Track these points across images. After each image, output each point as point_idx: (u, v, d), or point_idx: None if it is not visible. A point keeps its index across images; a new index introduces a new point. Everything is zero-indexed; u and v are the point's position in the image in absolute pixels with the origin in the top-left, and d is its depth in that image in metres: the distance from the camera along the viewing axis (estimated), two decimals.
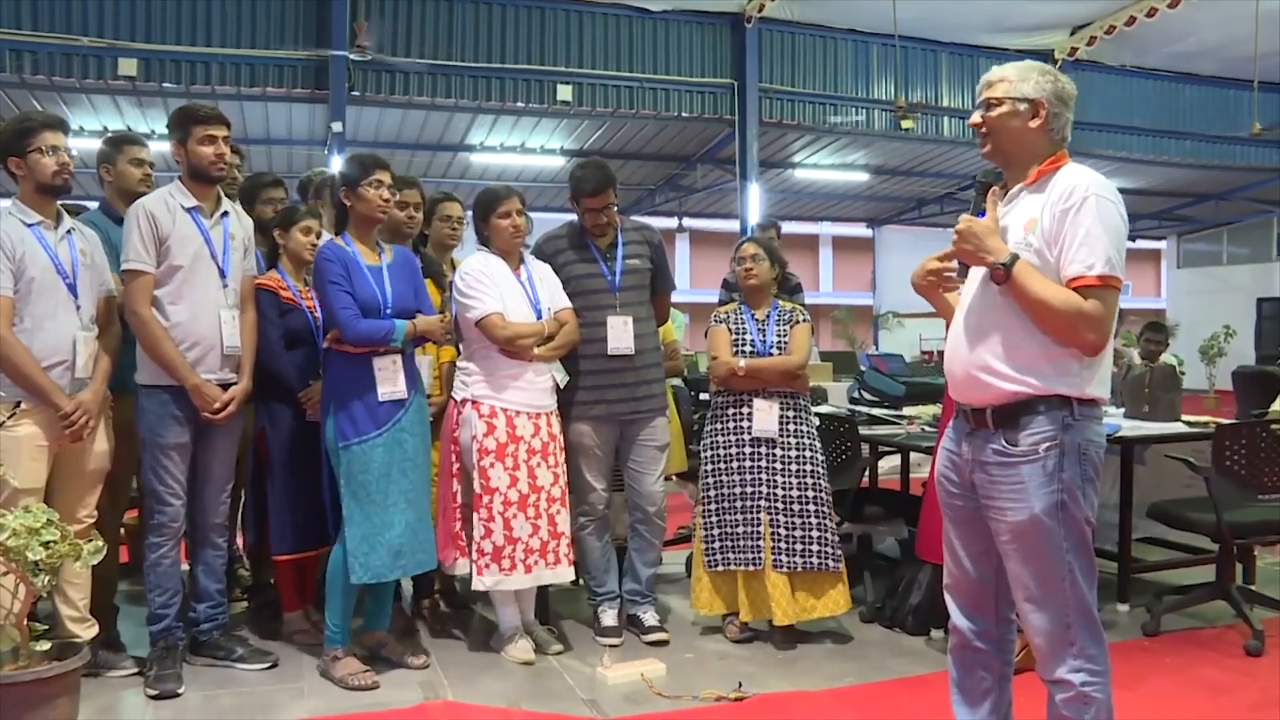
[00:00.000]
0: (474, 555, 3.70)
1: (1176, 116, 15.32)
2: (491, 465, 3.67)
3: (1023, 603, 2.37)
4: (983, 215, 2.37)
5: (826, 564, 3.93)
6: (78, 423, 3.22)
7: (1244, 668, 3.76)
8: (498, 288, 3.74)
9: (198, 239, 3.49)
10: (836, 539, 3.97)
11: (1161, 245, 23.49)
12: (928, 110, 13.79)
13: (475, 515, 3.70)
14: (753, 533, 3.95)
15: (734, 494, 3.99)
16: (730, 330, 4.09)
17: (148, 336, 3.39)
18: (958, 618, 2.58)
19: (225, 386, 3.56)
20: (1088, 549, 2.35)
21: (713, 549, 4.00)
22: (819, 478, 3.99)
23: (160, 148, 3.63)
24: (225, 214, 3.61)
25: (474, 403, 3.72)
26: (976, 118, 2.41)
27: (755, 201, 13.13)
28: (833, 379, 9.07)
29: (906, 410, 5.26)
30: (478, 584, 3.72)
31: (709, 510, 4.03)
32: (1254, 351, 17.09)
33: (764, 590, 3.94)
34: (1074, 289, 2.23)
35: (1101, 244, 2.22)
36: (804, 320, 4.12)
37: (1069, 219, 2.25)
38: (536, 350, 3.75)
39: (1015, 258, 2.26)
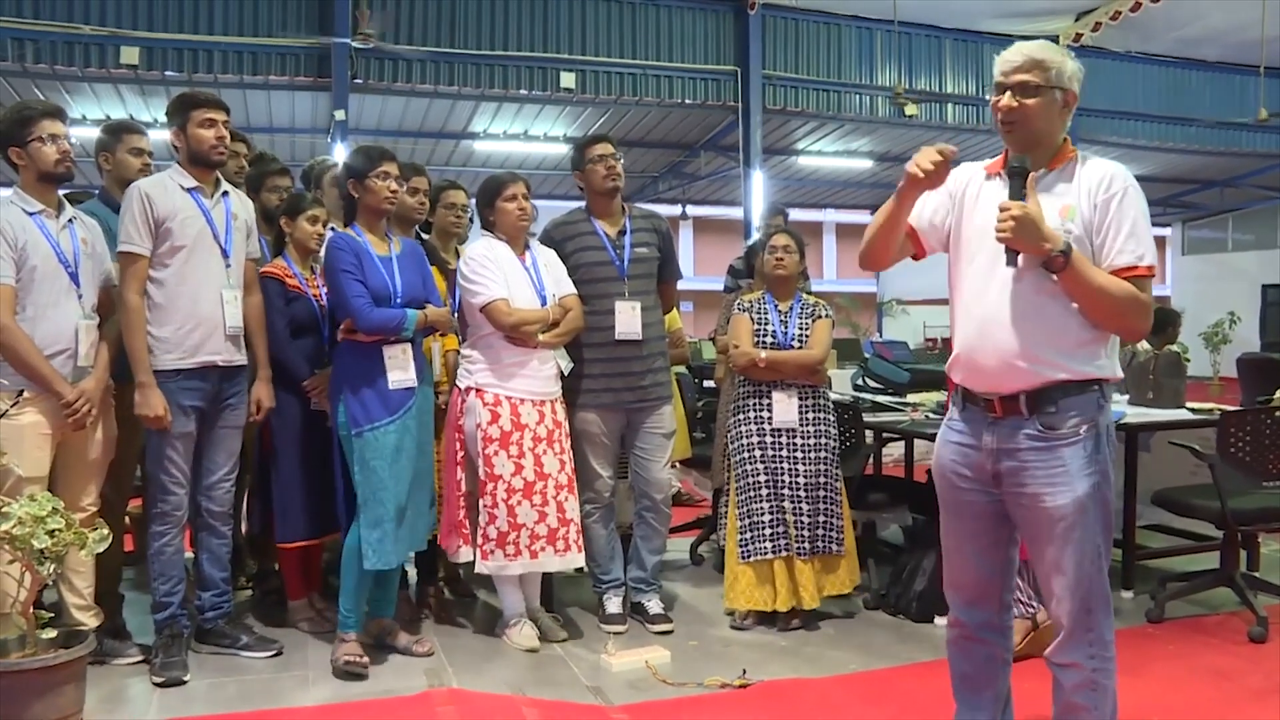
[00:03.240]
0: (479, 540, 3.70)
1: (1182, 102, 15.24)
2: (495, 453, 3.67)
3: (1059, 589, 2.34)
4: (1023, 200, 2.27)
5: (831, 548, 4.03)
6: (80, 411, 3.23)
7: (1248, 654, 3.76)
8: (503, 273, 3.73)
9: (199, 219, 3.48)
10: (841, 523, 4.05)
11: (1167, 232, 23.37)
12: (931, 97, 13.73)
13: (480, 502, 3.70)
14: (778, 520, 3.99)
15: (758, 483, 4.02)
16: (753, 320, 4.13)
17: (128, 323, 3.38)
18: (959, 611, 2.56)
19: (231, 369, 3.56)
20: (1110, 531, 2.36)
21: (746, 539, 4.01)
22: (831, 464, 4.06)
23: (162, 136, 3.62)
24: (225, 193, 3.61)
25: (478, 390, 3.72)
26: (1011, 102, 2.31)
27: (759, 189, 13.09)
28: (837, 366, 9.07)
29: (911, 397, 5.26)
30: (481, 568, 3.72)
31: (740, 501, 4.06)
32: (1259, 338, 17.04)
33: (793, 577, 3.99)
34: (1126, 278, 2.24)
35: (1148, 236, 2.27)
36: (827, 315, 4.16)
37: (1113, 208, 2.26)
38: (541, 337, 3.74)
39: (1070, 245, 2.23)
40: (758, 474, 4.02)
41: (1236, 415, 4.14)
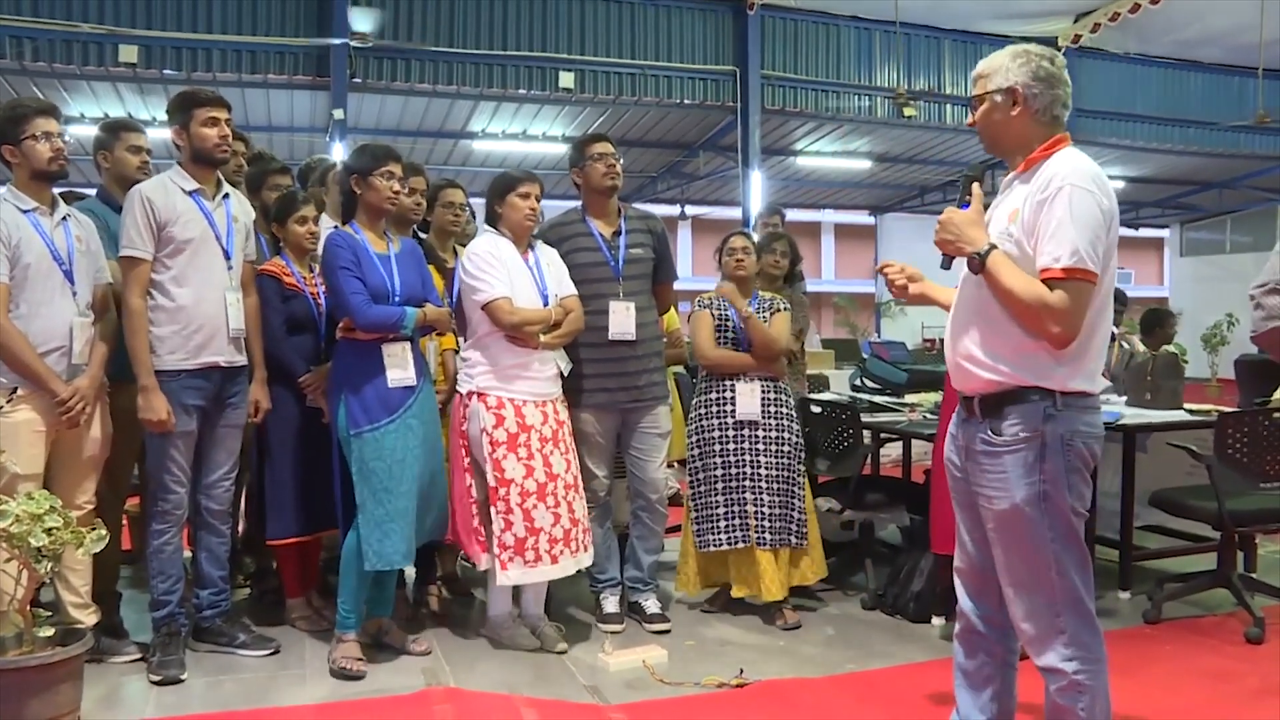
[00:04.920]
0: (495, 549, 3.62)
1: (1180, 104, 15.27)
2: (504, 457, 3.63)
3: (1006, 588, 2.41)
4: (966, 206, 2.38)
5: (791, 540, 4.07)
6: (74, 409, 3.22)
7: (1245, 655, 3.76)
8: (506, 271, 3.70)
9: (201, 221, 3.48)
10: (805, 516, 4.10)
11: (1165, 233, 23.42)
12: (930, 98, 13.75)
13: (493, 509, 3.63)
14: (739, 512, 4.04)
15: (716, 475, 4.08)
16: (713, 316, 4.19)
17: (131, 326, 3.38)
18: (964, 601, 2.61)
19: (233, 369, 3.56)
20: (1075, 539, 2.36)
21: (703, 529, 4.10)
22: (795, 459, 4.12)
23: (161, 135, 3.62)
24: (226, 196, 3.61)
25: (480, 395, 3.68)
26: (971, 118, 2.45)
27: (757, 189, 13.11)
28: (835, 366, 9.08)
29: (909, 398, 5.27)
30: (503, 579, 3.63)
31: (697, 493, 4.13)
32: None
33: (754, 568, 4.04)
34: (1043, 280, 2.23)
35: (1070, 236, 2.20)
36: (784, 309, 4.24)
37: (1044, 210, 2.25)
38: (543, 338, 3.72)
39: (991, 248, 2.28)
40: (715, 467, 4.08)
41: (1234, 416, 4.14)
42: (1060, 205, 2.22)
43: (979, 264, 2.28)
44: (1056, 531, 2.33)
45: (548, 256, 3.89)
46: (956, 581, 2.63)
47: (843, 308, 20.30)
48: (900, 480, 5.12)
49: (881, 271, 2.72)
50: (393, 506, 3.46)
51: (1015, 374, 2.31)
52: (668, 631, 3.97)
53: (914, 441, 4.99)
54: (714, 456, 4.09)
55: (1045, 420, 2.31)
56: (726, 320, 4.17)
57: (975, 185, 2.41)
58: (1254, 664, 3.67)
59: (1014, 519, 2.34)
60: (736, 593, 4.13)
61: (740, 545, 4.05)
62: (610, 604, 4.07)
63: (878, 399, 5.24)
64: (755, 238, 4.55)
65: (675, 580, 4.28)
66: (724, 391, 4.12)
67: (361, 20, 10.77)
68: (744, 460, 4.07)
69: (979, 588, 2.57)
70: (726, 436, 4.09)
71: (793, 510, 4.07)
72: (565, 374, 3.84)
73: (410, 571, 4.24)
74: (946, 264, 2.44)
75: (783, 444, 4.10)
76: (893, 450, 5.77)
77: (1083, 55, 14.07)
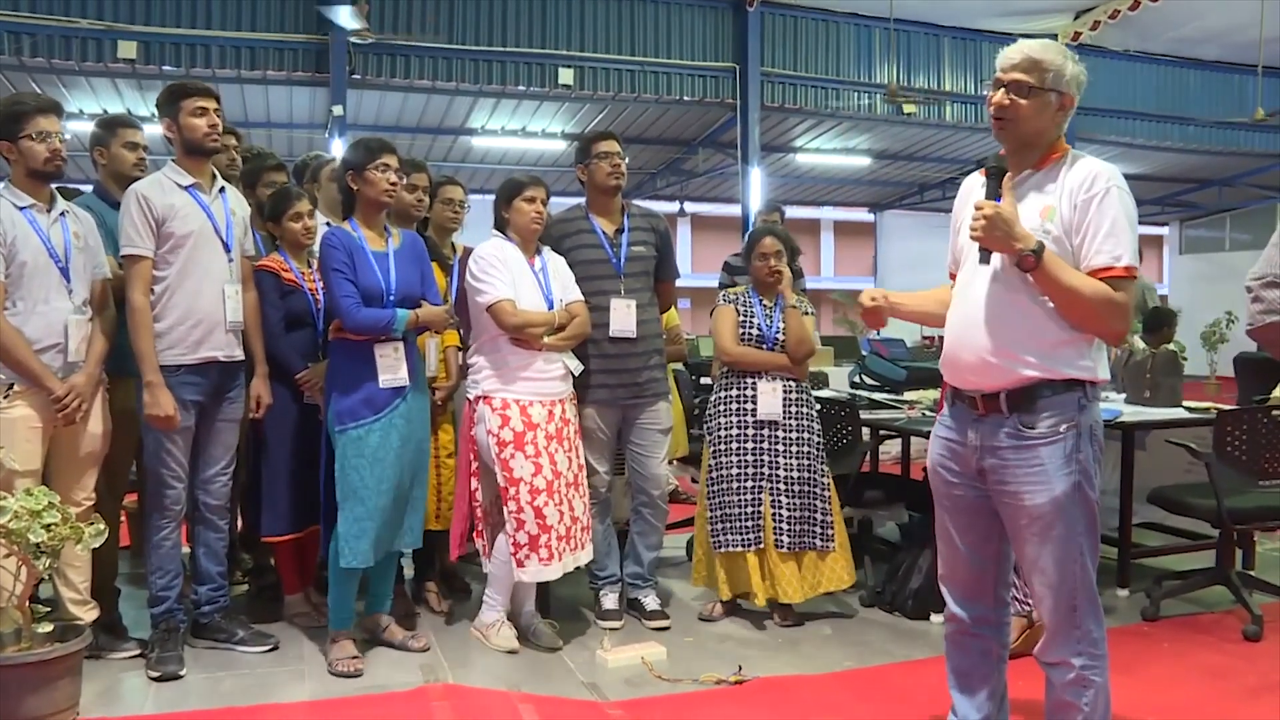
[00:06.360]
0: (511, 549, 3.64)
1: (1180, 102, 15.27)
2: (511, 456, 3.62)
3: (1039, 586, 2.37)
4: (999, 201, 2.32)
5: (815, 543, 4.01)
6: (70, 406, 3.22)
7: (1243, 652, 3.76)
8: (510, 274, 3.70)
9: (200, 215, 3.48)
10: (830, 519, 4.03)
11: (1164, 231, 23.40)
12: (930, 95, 13.74)
13: (506, 509, 3.64)
14: (754, 513, 3.99)
15: (732, 474, 4.03)
16: (738, 313, 4.13)
17: (134, 324, 3.38)
18: (954, 605, 2.58)
19: (231, 364, 3.56)
20: (1096, 530, 2.37)
21: (716, 529, 4.04)
22: (817, 460, 4.05)
23: (158, 131, 3.62)
24: (223, 190, 3.61)
25: (485, 398, 3.69)
26: (1004, 99, 2.32)
27: (757, 186, 13.09)
28: (834, 363, 9.08)
29: (907, 395, 5.27)
30: (519, 575, 3.64)
31: (713, 492, 4.07)
32: None
33: (770, 570, 3.99)
34: (1102, 279, 2.23)
35: (1127, 236, 2.25)
36: (811, 313, 4.19)
37: (1092, 209, 2.25)
38: (546, 340, 3.72)
39: (1043, 245, 2.25)
40: (732, 465, 4.03)
41: (1233, 414, 4.14)
42: (1112, 205, 2.25)
43: (1035, 261, 2.24)
44: (1085, 523, 2.33)
45: (555, 262, 3.89)
46: (943, 587, 2.60)
47: (842, 305, 20.29)
48: (899, 477, 5.12)
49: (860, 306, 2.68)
50: (371, 504, 3.45)
51: (1054, 367, 2.30)
52: (667, 628, 3.97)
53: (913, 438, 4.99)
54: (732, 455, 4.03)
55: (1080, 410, 2.31)
56: (750, 318, 4.12)
57: (1006, 179, 2.35)
58: (1252, 661, 3.67)
59: (1053, 512, 2.31)
60: (760, 601, 4.02)
61: (753, 549, 3.99)
62: (609, 600, 4.07)
63: (877, 396, 5.25)
64: (783, 231, 4.39)
65: (692, 577, 4.22)
66: (745, 390, 4.06)
67: (349, 20, 10.73)
68: (763, 461, 4.01)
69: (973, 589, 2.55)
70: (746, 436, 4.03)
71: (816, 513, 4.01)
72: (575, 374, 3.82)
73: (409, 568, 4.24)
74: (985, 258, 2.36)
75: (804, 444, 4.03)
76: (892, 447, 5.78)
77: (1082, 52, 13.90)
